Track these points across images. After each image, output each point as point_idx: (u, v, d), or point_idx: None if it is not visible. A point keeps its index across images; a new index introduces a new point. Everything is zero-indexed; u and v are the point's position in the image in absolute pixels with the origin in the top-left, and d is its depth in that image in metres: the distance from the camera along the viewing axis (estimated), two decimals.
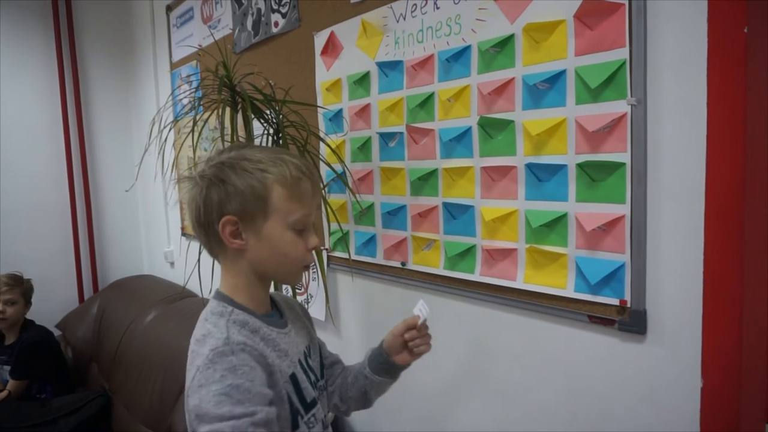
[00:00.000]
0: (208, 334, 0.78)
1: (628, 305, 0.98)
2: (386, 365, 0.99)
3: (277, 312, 0.93)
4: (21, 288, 2.31)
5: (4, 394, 2.16)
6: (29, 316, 2.39)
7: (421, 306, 0.98)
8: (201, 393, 0.71)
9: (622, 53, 0.95)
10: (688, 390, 0.92)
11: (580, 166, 1.03)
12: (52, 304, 2.79)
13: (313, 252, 0.88)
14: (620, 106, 0.96)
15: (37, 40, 2.87)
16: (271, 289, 0.95)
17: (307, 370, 0.90)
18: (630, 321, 0.98)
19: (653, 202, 0.95)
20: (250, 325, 0.82)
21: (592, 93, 1.00)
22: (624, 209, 0.97)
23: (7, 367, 2.25)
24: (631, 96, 0.94)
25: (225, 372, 0.71)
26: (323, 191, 1.58)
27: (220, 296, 0.85)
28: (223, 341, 0.75)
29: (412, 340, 0.97)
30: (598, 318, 1.04)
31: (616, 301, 1.00)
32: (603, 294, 1.02)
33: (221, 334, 0.77)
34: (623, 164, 0.97)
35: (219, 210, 0.80)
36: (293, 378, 0.83)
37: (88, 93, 3.06)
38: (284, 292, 1.47)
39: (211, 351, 0.74)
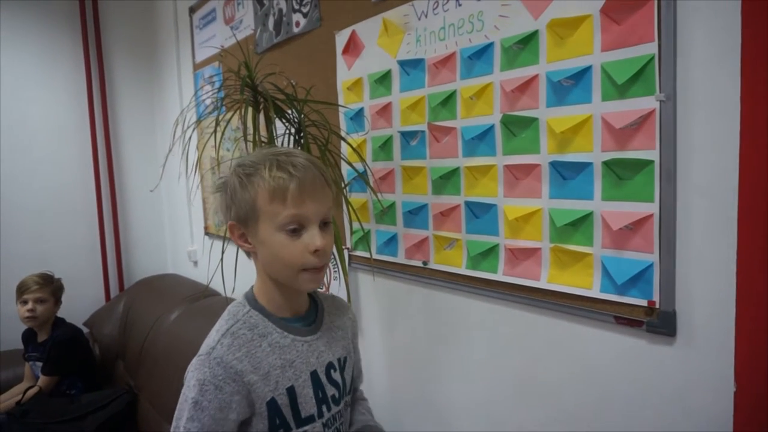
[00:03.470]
0: (210, 335, 0.84)
1: (657, 306, 0.96)
2: None
3: (312, 316, 0.93)
4: (51, 287, 2.36)
5: (36, 389, 2.21)
6: (59, 314, 2.44)
7: None
8: (182, 392, 0.81)
9: (650, 48, 0.92)
10: (720, 394, 0.89)
11: (606, 163, 1.01)
12: (79, 302, 2.85)
13: (324, 253, 0.83)
14: (648, 103, 0.93)
15: (65, 42, 2.93)
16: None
17: (324, 385, 0.89)
18: (659, 322, 0.96)
19: (683, 201, 0.92)
20: (259, 328, 0.84)
21: (619, 89, 0.97)
22: (652, 208, 0.95)
23: (39, 364, 2.31)
24: (660, 92, 0.92)
25: (195, 382, 0.78)
26: (344, 191, 1.58)
27: (247, 294, 0.90)
28: (207, 350, 0.81)
29: None
30: (625, 319, 1.01)
31: (644, 302, 0.98)
32: (630, 294, 1.00)
33: (213, 341, 0.82)
34: (651, 162, 0.94)
35: (226, 215, 0.86)
36: (290, 391, 0.84)
37: (114, 94, 3.12)
38: None
39: (198, 357, 0.81)
